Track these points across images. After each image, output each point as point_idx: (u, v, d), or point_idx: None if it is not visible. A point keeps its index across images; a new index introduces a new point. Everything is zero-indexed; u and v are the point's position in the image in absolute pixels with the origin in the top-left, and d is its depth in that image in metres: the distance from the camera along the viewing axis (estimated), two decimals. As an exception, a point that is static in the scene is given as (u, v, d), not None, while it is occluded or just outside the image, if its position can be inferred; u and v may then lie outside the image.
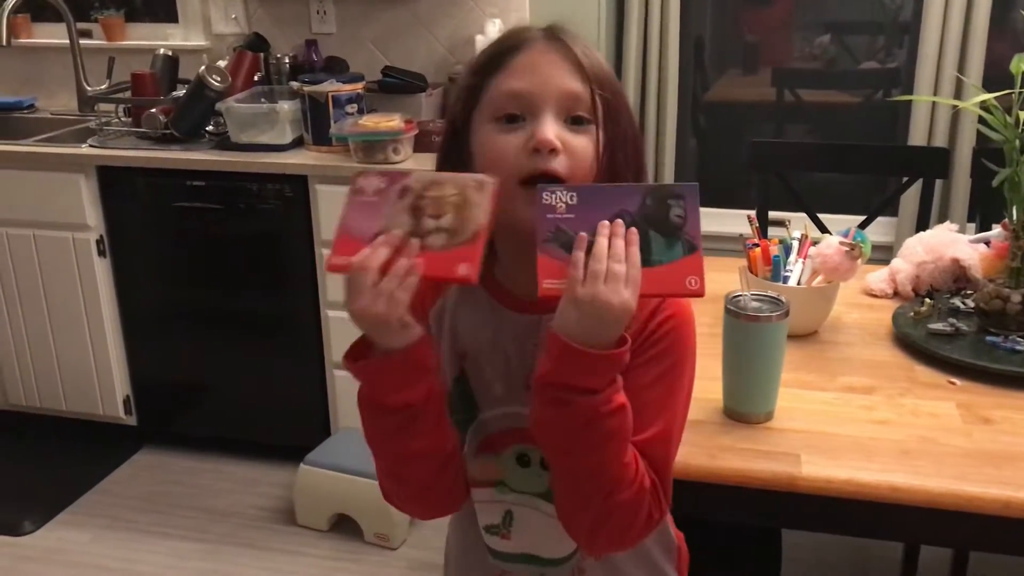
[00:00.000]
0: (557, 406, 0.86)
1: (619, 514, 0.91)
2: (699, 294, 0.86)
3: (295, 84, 2.68)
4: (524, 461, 1.01)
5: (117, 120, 2.89)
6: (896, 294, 1.75)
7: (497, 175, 0.89)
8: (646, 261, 0.85)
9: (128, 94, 2.92)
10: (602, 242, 0.84)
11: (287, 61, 2.88)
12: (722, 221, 2.95)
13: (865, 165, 2.45)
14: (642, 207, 0.87)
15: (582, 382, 0.85)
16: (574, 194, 0.87)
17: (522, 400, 0.96)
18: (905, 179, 2.36)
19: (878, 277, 1.78)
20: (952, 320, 1.57)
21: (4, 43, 2.86)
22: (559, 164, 0.90)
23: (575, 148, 0.91)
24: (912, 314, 1.61)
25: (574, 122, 0.92)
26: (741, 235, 1.67)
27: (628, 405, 0.89)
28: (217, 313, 2.74)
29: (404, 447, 0.93)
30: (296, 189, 2.53)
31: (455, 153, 0.97)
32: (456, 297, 1.02)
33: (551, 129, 0.90)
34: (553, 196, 0.87)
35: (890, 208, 2.60)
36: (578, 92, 0.91)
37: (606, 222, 0.86)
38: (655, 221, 0.87)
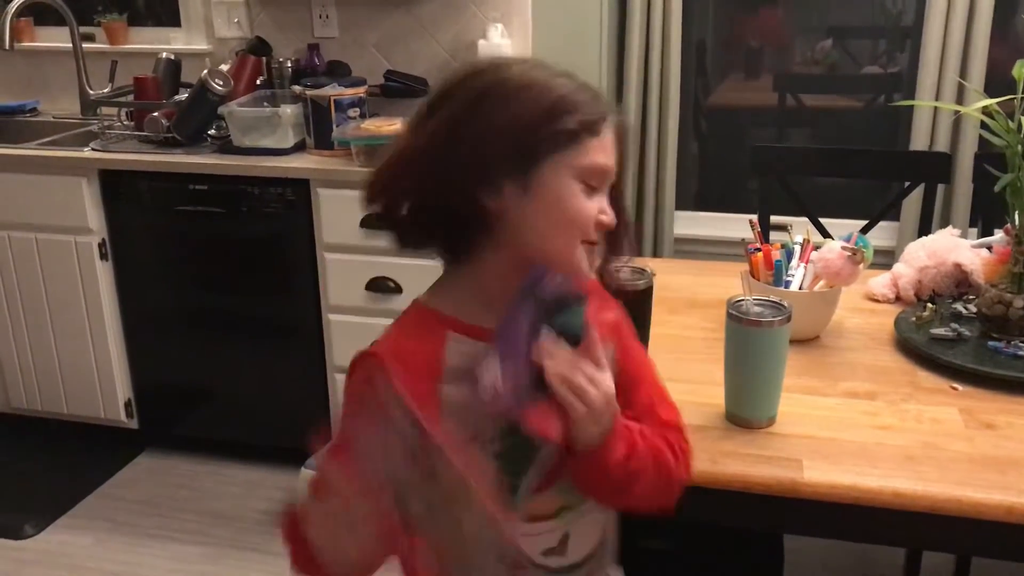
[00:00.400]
0: (599, 483, 1.00)
1: (672, 483, 1.05)
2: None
3: (297, 88, 2.68)
4: None
5: (119, 124, 2.90)
6: (898, 299, 1.75)
7: (567, 229, 0.95)
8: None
9: (131, 98, 2.93)
10: (563, 369, 0.91)
11: (289, 65, 2.87)
12: (724, 225, 2.97)
13: (867, 170, 2.44)
14: (538, 309, 0.92)
15: (612, 460, 0.97)
16: (491, 351, 0.91)
17: None
18: (907, 184, 2.36)
19: (880, 282, 1.78)
20: (954, 325, 1.57)
21: (7, 47, 2.87)
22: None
23: None
24: (914, 319, 1.60)
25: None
26: (743, 239, 1.68)
27: (636, 441, 1.00)
28: (219, 316, 2.74)
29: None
30: (298, 193, 2.54)
31: (515, 170, 0.93)
32: (460, 365, 0.97)
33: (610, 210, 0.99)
34: (489, 375, 0.90)
35: (892, 212, 2.60)
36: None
37: (544, 351, 0.91)
38: (554, 309, 0.92)
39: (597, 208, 0.97)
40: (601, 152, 0.96)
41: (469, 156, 0.92)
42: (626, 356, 1.06)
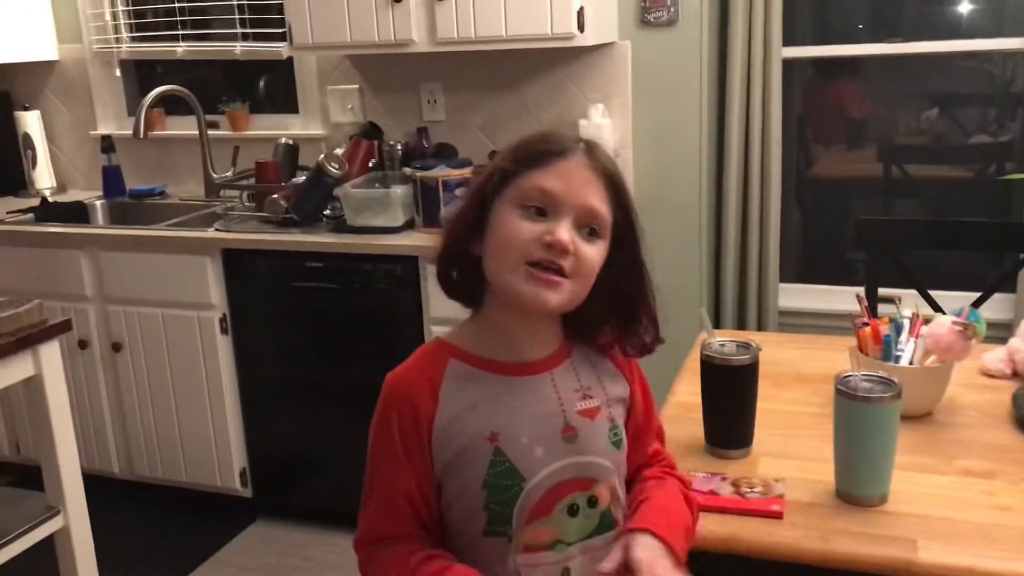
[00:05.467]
0: None
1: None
2: None
3: (407, 170, 2.80)
4: (573, 511, 1.07)
5: (241, 205, 3.06)
6: (1015, 374, 1.70)
7: (504, 253, 1.02)
8: None
9: (252, 181, 3.09)
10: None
11: (400, 148, 3.01)
12: (830, 298, 2.92)
13: (979, 242, 2.38)
14: None
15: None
16: None
17: (561, 452, 1.06)
18: (1023, 256, 2.30)
19: (995, 357, 1.73)
20: (1077, 402, 1.52)
21: (142, 136, 3.09)
22: (567, 262, 1.01)
23: (584, 254, 1.02)
24: (1033, 395, 1.56)
25: (589, 233, 1.03)
26: (850, 314, 1.66)
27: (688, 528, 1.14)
28: (331, 389, 2.83)
29: None
30: (407, 269, 2.63)
31: (475, 220, 1.06)
32: (450, 396, 1.08)
33: (568, 232, 1.01)
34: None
35: (1008, 284, 2.53)
36: (600, 210, 1.03)
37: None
38: None
39: (539, 229, 1.01)
40: (541, 178, 1.01)
41: (460, 216, 1.07)
42: (647, 404, 1.19)
